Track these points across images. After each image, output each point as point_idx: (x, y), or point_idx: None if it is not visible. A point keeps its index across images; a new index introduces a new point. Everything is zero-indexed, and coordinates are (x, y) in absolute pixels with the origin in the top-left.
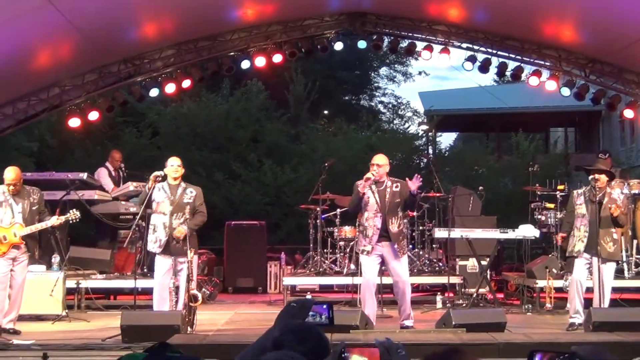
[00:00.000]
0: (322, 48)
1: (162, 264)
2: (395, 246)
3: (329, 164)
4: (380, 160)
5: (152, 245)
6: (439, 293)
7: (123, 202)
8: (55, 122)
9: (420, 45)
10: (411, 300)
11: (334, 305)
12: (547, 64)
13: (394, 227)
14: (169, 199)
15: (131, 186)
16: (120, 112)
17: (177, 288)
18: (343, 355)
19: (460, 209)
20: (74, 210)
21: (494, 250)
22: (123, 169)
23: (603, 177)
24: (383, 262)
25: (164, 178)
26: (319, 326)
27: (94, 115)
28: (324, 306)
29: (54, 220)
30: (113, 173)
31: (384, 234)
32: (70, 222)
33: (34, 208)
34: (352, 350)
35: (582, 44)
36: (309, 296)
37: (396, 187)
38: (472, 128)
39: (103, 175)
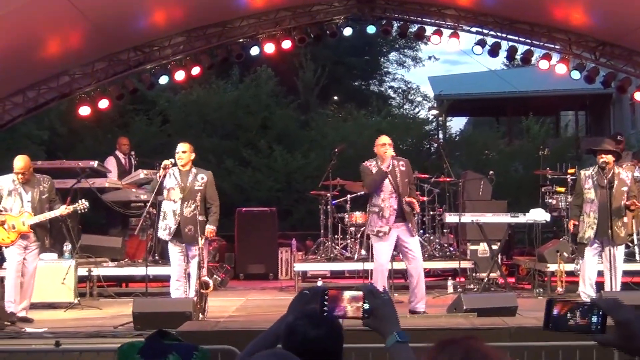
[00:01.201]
0: (332, 34)
1: (175, 251)
2: (410, 225)
3: (339, 150)
4: (390, 140)
5: (162, 232)
6: (450, 278)
7: (134, 190)
8: (65, 110)
9: (429, 29)
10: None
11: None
12: (557, 47)
13: (406, 207)
14: (180, 186)
15: (142, 174)
16: (130, 100)
17: (188, 275)
18: (325, 297)
19: (470, 194)
20: (83, 200)
21: (505, 234)
22: (134, 156)
23: (610, 157)
24: (395, 247)
25: (175, 164)
26: None
27: (104, 104)
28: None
29: (62, 210)
30: (123, 160)
31: (400, 215)
32: (79, 212)
33: (43, 197)
34: (333, 292)
35: (592, 26)
36: (320, 282)
37: (402, 166)
38: (482, 112)
39: (110, 164)
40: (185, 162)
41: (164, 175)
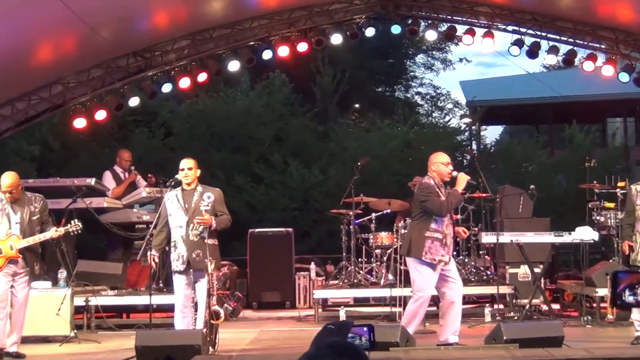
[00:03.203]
0: (352, 35)
1: (180, 278)
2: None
3: (362, 164)
4: None
5: (176, 264)
6: (487, 305)
7: (135, 210)
8: (59, 123)
9: (460, 29)
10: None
11: (371, 319)
12: (603, 46)
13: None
14: (183, 208)
15: (144, 192)
16: (129, 111)
17: (196, 304)
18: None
19: (509, 211)
20: (75, 220)
21: (548, 256)
22: (134, 171)
23: None
24: None
25: (178, 183)
26: None
27: (101, 115)
28: (365, 328)
29: (52, 233)
30: (122, 176)
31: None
32: (72, 234)
33: (34, 218)
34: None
35: None
36: (342, 311)
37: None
38: (520, 120)
39: (107, 179)
40: (191, 180)
41: (163, 204)
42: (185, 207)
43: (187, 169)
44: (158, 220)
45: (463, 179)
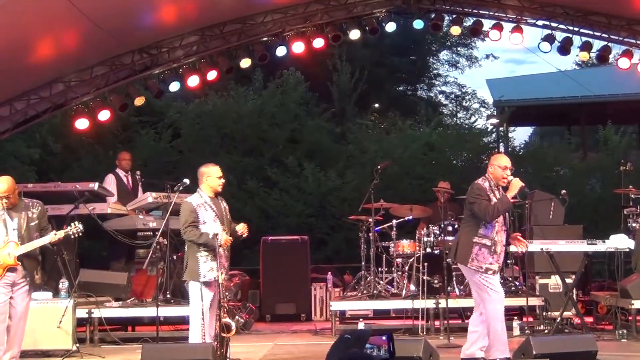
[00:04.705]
0: (372, 30)
1: (209, 290)
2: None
3: (382, 167)
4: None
5: (212, 275)
6: (515, 317)
7: (141, 217)
8: (60, 124)
9: (487, 23)
10: None
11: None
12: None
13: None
14: (219, 217)
15: (150, 197)
16: (135, 111)
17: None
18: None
19: (539, 218)
20: (76, 222)
21: (581, 265)
22: (139, 176)
23: None
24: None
25: (179, 188)
26: None
27: (104, 115)
28: (384, 337)
29: (52, 236)
30: (124, 179)
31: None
32: (72, 236)
33: (32, 224)
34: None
35: None
36: (361, 324)
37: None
38: (551, 121)
39: (109, 183)
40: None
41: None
42: (220, 216)
43: (221, 176)
44: (196, 220)
45: (516, 185)
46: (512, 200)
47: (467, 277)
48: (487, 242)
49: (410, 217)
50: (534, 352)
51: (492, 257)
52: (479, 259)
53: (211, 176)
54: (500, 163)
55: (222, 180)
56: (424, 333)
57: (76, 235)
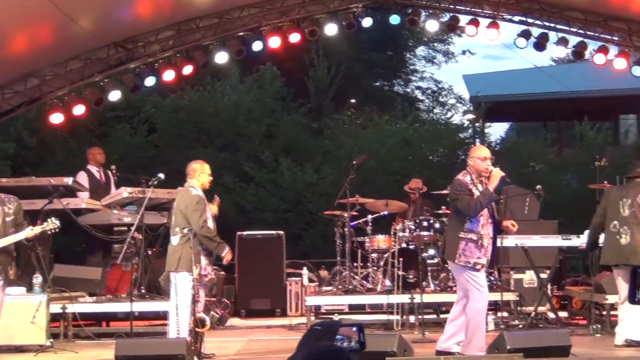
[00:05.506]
0: (348, 25)
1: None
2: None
3: (359, 162)
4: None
5: (208, 270)
6: (490, 312)
7: (116, 211)
8: (35, 118)
9: (464, 19)
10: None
11: (367, 328)
12: (615, 38)
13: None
14: (213, 214)
15: (125, 192)
16: (110, 106)
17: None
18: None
19: (514, 212)
20: (53, 218)
21: (556, 260)
22: (113, 171)
23: None
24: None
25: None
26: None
27: (79, 110)
28: (354, 328)
29: (28, 232)
30: (97, 174)
31: (494, 244)
32: (49, 232)
33: (8, 219)
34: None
35: None
36: (336, 318)
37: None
38: (527, 116)
39: (81, 179)
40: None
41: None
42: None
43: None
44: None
45: (496, 176)
46: (492, 191)
47: (454, 273)
48: (473, 236)
49: (386, 213)
50: (508, 347)
51: (480, 251)
52: (466, 254)
53: (204, 173)
54: (479, 155)
55: (211, 178)
56: (399, 328)
57: (53, 231)
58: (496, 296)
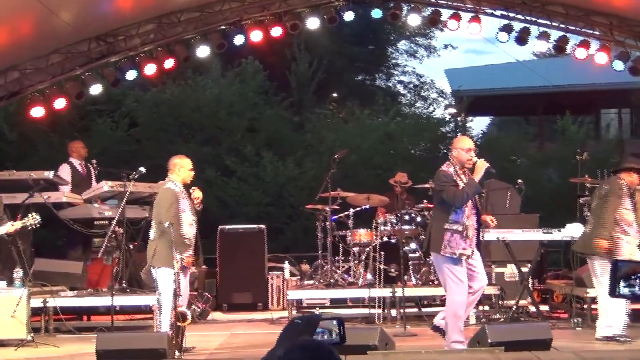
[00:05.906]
0: (330, 19)
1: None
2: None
3: (340, 156)
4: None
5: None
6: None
7: (97, 205)
8: (15, 112)
9: (445, 13)
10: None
11: (348, 321)
12: (597, 33)
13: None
14: (191, 207)
15: (106, 186)
16: (91, 100)
17: (160, 305)
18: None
19: (495, 206)
20: (33, 214)
21: (537, 254)
22: (94, 165)
23: (635, 178)
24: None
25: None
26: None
27: (60, 104)
28: (334, 322)
29: (8, 227)
30: (79, 168)
31: (478, 235)
32: (29, 227)
33: None
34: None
35: (638, 8)
36: (317, 312)
37: (470, 176)
38: (508, 111)
39: (64, 173)
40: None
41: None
42: (191, 207)
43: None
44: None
45: (481, 167)
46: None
47: (435, 265)
48: (458, 227)
49: (368, 206)
50: (489, 341)
51: (465, 242)
52: (451, 245)
53: (184, 167)
54: (463, 146)
55: (193, 173)
56: (381, 322)
57: (34, 226)
58: None
